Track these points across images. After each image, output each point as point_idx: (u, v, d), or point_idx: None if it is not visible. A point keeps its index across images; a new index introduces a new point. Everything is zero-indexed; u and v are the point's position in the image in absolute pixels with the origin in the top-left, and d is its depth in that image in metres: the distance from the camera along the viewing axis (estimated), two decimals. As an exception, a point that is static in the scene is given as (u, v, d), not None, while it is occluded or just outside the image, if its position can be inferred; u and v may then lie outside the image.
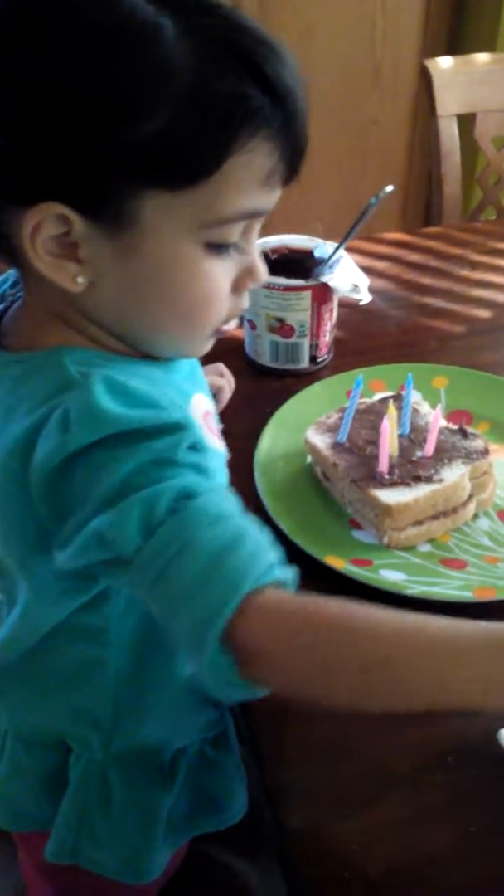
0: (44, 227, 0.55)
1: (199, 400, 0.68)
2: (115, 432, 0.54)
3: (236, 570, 0.52)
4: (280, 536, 0.80)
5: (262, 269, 0.64)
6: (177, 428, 0.56)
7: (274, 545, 0.55)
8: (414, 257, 1.29)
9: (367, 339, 1.10)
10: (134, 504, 0.53)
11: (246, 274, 0.64)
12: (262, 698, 0.55)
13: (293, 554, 0.79)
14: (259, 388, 1.03)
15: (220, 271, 0.61)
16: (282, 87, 0.55)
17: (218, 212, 0.58)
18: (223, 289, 0.62)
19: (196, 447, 0.57)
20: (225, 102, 0.54)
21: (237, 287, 0.64)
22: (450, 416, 0.94)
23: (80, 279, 0.58)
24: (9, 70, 0.53)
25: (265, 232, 0.72)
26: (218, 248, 0.60)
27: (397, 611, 0.53)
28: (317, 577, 0.78)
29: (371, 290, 1.15)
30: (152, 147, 0.53)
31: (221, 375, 0.90)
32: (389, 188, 0.92)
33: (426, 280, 1.24)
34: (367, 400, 0.92)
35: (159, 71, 0.52)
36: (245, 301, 0.66)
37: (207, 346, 0.68)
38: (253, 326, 1.04)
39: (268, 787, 0.66)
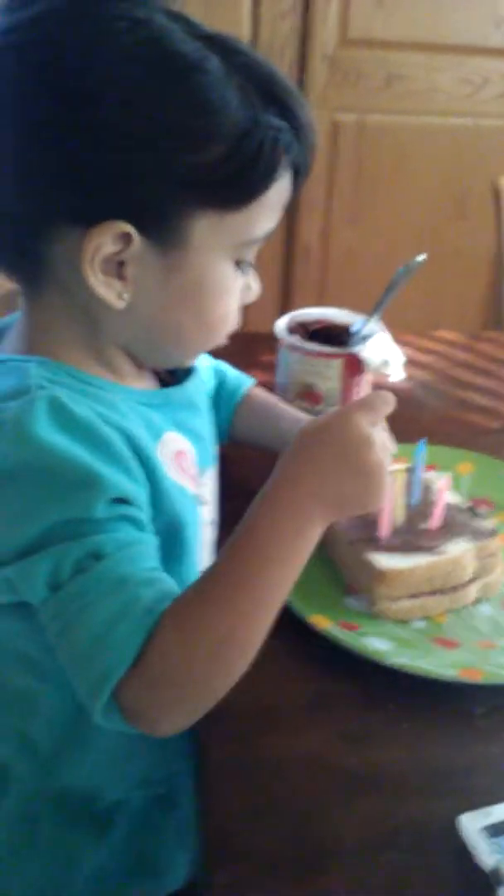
0: (104, 245, 0.59)
1: (171, 438, 0.69)
2: (39, 467, 0.56)
3: (120, 642, 0.55)
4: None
5: (256, 284, 0.70)
6: (97, 482, 0.57)
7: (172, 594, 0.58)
8: (462, 356, 1.29)
9: (399, 423, 1.06)
10: (44, 559, 0.56)
11: (246, 288, 0.69)
12: (214, 752, 0.61)
13: (282, 611, 0.76)
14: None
15: (238, 286, 0.67)
16: (305, 122, 0.63)
17: (253, 232, 0.64)
18: (237, 302, 0.68)
19: (125, 499, 0.59)
20: (270, 135, 0.60)
21: (240, 301, 0.69)
22: (474, 504, 0.91)
23: (125, 296, 0.62)
24: (78, 95, 0.56)
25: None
26: (239, 265, 0.66)
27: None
28: (297, 635, 0.75)
29: (412, 379, 1.14)
30: (213, 172, 0.59)
31: None
32: (421, 257, 0.92)
33: (469, 377, 1.23)
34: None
35: (219, 103, 0.58)
36: (239, 317, 0.70)
37: None
38: (283, 391, 1.03)
39: (204, 837, 0.61)
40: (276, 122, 0.60)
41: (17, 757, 0.71)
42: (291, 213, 2.39)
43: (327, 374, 0.99)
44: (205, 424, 0.77)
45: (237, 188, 0.61)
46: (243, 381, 0.94)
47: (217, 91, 0.58)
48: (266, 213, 0.64)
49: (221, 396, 0.92)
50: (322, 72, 2.26)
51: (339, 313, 1.07)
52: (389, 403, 0.65)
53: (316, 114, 2.10)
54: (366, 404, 0.63)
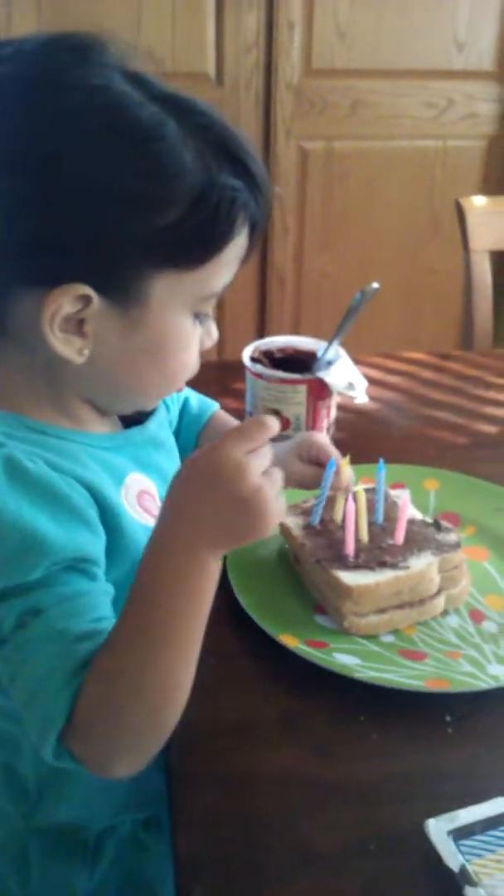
0: (63, 306, 0.60)
1: (134, 479, 0.71)
2: None
3: (53, 698, 0.57)
4: (243, 612, 0.80)
5: (215, 330, 0.71)
6: (41, 546, 0.59)
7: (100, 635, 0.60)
8: (428, 375, 1.32)
9: (367, 442, 1.11)
10: None
11: (206, 335, 0.71)
12: (186, 768, 0.62)
13: (245, 630, 0.78)
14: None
15: (197, 336, 0.69)
16: (261, 180, 0.65)
17: (211, 287, 0.66)
18: (197, 351, 0.70)
19: (74, 557, 0.60)
20: (227, 195, 0.62)
21: (199, 347, 0.70)
22: (438, 518, 0.93)
23: (85, 351, 0.63)
24: (36, 165, 0.59)
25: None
26: (198, 316, 0.67)
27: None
28: (269, 653, 0.77)
29: (380, 399, 1.17)
30: (171, 234, 0.61)
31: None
32: (375, 285, 0.95)
33: (437, 395, 1.25)
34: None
35: (175, 167, 0.60)
36: (198, 361, 0.72)
37: None
38: (252, 418, 1.06)
39: (176, 851, 0.63)
40: (232, 181, 0.62)
41: (4, 795, 0.73)
42: (265, 241, 2.43)
43: (294, 399, 1.02)
44: (170, 460, 0.79)
45: (195, 248, 0.63)
46: (208, 405, 0.96)
47: (173, 156, 0.59)
48: (224, 268, 0.65)
49: (186, 421, 0.94)
50: (288, 102, 2.31)
51: (305, 340, 1.10)
52: (269, 428, 0.61)
53: (284, 143, 2.15)
54: (239, 432, 0.60)
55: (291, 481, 0.86)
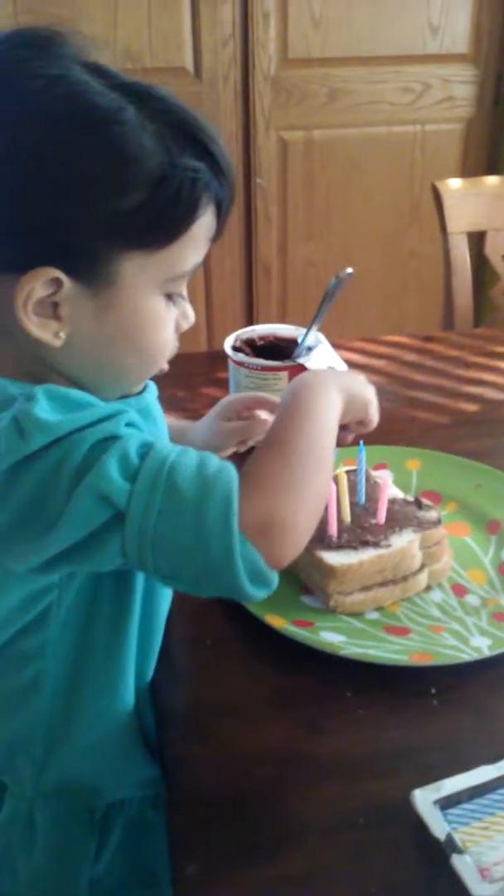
0: (35, 290, 0.62)
1: None
2: (60, 435, 0.60)
3: (221, 470, 0.63)
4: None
5: (192, 311, 0.72)
6: (111, 415, 0.62)
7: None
8: (411, 357, 1.33)
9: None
10: (108, 461, 0.60)
11: (182, 317, 0.72)
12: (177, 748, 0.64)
13: (237, 614, 0.80)
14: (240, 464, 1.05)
15: (172, 317, 0.70)
16: (222, 160, 0.66)
17: (180, 267, 0.67)
18: (172, 331, 0.71)
19: (133, 424, 0.64)
20: (188, 177, 0.63)
21: (176, 329, 0.72)
22: (420, 496, 0.94)
23: (61, 334, 0.65)
24: (2, 152, 0.60)
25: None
26: (171, 297, 0.69)
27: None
28: (260, 635, 0.78)
29: (362, 382, 1.17)
30: (135, 217, 0.62)
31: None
32: (349, 270, 0.96)
33: (419, 377, 1.27)
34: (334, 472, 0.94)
35: (135, 152, 0.61)
36: (177, 342, 0.73)
37: None
38: (236, 406, 1.07)
39: (169, 829, 0.64)
40: (194, 163, 0.63)
41: (11, 760, 0.74)
42: (249, 231, 2.44)
43: (275, 386, 1.03)
44: (163, 433, 0.80)
45: (160, 230, 0.64)
46: None
47: (133, 140, 0.61)
48: (191, 248, 0.67)
49: None
50: (266, 93, 2.31)
51: (286, 328, 1.11)
52: None
53: (263, 134, 2.16)
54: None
55: (223, 440, 0.97)
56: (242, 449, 0.97)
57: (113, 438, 0.61)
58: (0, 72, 0.61)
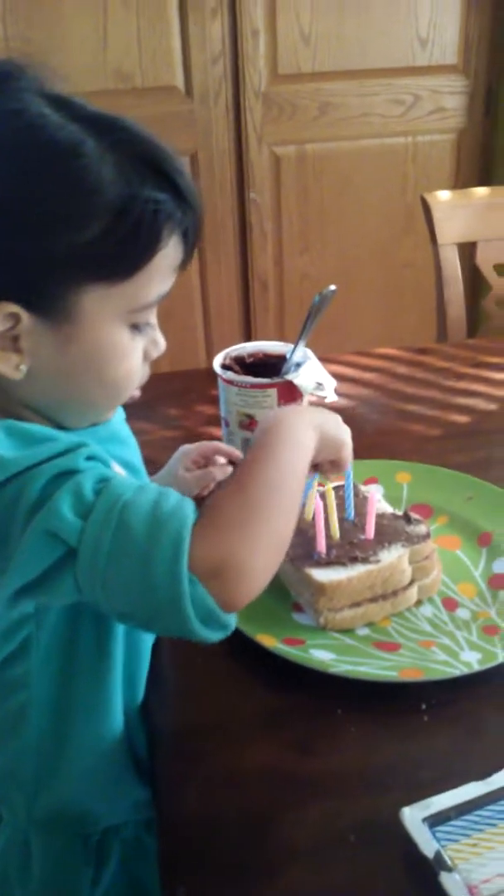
0: None
1: (115, 468, 0.72)
2: (16, 471, 0.59)
3: (175, 508, 0.60)
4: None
5: (162, 339, 0.71)
6: (70, 450, 0.61)
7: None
8: (402, 370, 1.33)
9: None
10: (61, 497, 0.58)
11: (151, 345, 0.71)
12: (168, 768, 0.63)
13: (235, 632, 0.79)
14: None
15: (138, 347, 0.69)
16: (186, 190, 0.65)
17: (144, 298, 0.66)
18: (140, 361, 0.70)
19: (94, 458, 0.63)
20: (150, 208, 0.62)
21: (145, 357, 0.71)
22: (410, 510, 0.95)
23: (22, 367, 0.64)
24: None
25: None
26: (137, 327, 0.68)
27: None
28: (251, 654, 0.78)
29: (354, 397, 1.18)
30: (94, 249, 0.61)
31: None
32: (332, 287, 0.97)
33: (410, 389, 1.27)
34: (323, 488, 0.94)
35: (94, 184, 0.61)
36: (147, 369, 0.72)
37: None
38: (226, 424, 1.08)
39: (160, 851, 0.64)
40: (155, 194, 0.63)
41: (3, 790, 0.74)
42: (245, 246, 2.45)
43: (265, 403, 1.03)
44: (134, 455, 0.80)
45: (121, 261, 0.63)
46: None
47: (92, 172, 0.60)
48: (156, 279, 0.66)
49: None
50: (257, 109, 2.33)
51: (274, 344, 1.11)
52: None
53: (256, 149, 2.17)
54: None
55: (182, 490, 0.92)
56: (205, 493, 0.96)
57: (69, 474, 0.59)
58: None
